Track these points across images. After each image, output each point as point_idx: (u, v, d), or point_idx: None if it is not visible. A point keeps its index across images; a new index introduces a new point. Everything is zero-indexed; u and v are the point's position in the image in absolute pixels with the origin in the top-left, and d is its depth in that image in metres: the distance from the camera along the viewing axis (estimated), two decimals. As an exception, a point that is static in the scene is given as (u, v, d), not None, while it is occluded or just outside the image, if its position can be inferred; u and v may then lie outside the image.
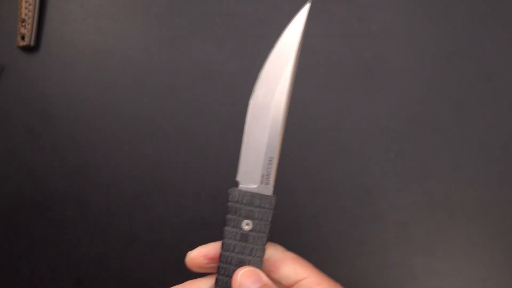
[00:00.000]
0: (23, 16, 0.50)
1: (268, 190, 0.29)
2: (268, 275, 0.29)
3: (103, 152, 0.50)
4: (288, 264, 0.30)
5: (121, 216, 0.49)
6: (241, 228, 0.28)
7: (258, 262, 0.28)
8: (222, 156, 0.49)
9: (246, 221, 0.28)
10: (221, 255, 0.29)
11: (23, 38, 0.50)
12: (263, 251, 0.29)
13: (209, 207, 0.49)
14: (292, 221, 0.49)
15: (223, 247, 0.29)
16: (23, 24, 0.50)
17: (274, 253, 0.31)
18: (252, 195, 0.28)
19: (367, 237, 0.49)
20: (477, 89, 0.49)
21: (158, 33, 0.50)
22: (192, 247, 0.49)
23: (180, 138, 0.49)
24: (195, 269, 0.31)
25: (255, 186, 0.29)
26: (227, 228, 0.29)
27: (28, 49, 0.51)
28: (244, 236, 0.28)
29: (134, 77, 0.50)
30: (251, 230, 0.28)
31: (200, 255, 0.31)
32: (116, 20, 0.51)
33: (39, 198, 0.50)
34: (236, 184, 0.29)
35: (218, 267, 0.29)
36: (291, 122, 0.48)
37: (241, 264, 0.28)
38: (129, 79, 0.50)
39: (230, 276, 0.29)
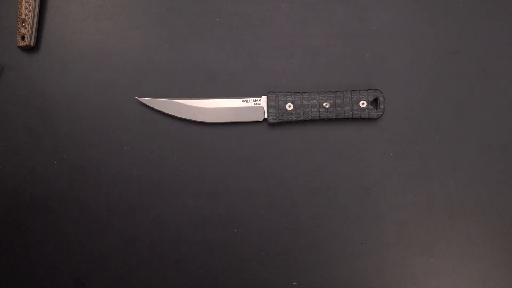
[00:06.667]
0: (23, 16, 0.50)
1: None
2: None
3: (103, 152, 0.50)
4: None
5: (121, 216, 0.49)
6: None
7: None
8: (222, 155, 0.49)
9: None
10: None
11: (23, 38, 0.50)
12: None
13: (209, 207, 0.49)
14: (292, 221, 0.49)
15: None
16: (23, 24, 0.50)
17: None
18: None
19: (367, 237, 0.49)
20: (477, 89, 0.49)
21: (158, 33, 0.50)
22: (192, 247, 0.49)
23: (180, 138, 0.50)
24: None
25: None
26: None
27: (28, 49, 0.51)
28: None
29: (134, 77, 0.50)
30: None
31: None
32: (116, 20, 0.51)
33: (39, 198, 0.50)
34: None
35: None
36: (291, 122, 0.49)
37: None
38: (129, 79, 0.50)
39: None
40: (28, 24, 0.50)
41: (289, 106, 0.47)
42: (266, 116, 0.48)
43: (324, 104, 0.47)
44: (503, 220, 0.48)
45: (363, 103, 0.47)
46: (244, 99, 0.48)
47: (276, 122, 0.48)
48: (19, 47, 0.50)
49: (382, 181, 0.49)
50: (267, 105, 0.48)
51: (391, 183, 0.49)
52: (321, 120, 0.48)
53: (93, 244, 0.49)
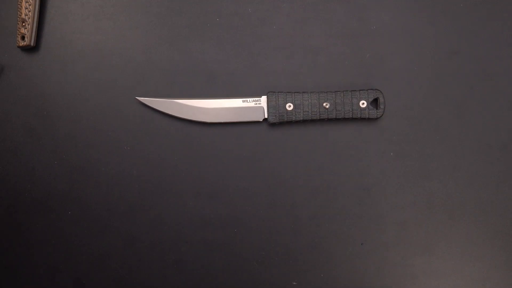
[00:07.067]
0: (23, 16, 0.50)
1: None
2: None
3: (103, 152, 0.50)
4: None
5: (121, 216, 0.49)
6: None
7: None
8: (222, 155, 0.49)
9: None
10: None
11: (23, 38, 0.50)
12: None
13: (209, 207, 0.49)
14: (292, 221, 0.49)
15: None
16: (23, 24, 0.50)
17: None
18: None
19: (367, 237, 0.49)
20: (477, 89, 0.49)
21: (158, 33, 0.50)
22: (192, 247, 0.49)
23: (180, 138, 0.50)
24: None
25: None
26: None
27: (28, 49, 0.51)
28: None
29: (134, 77, 0.50)
30: None
31: None
32: (116, 20, 0.51)
33: (39, 198, 0.50)
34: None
35: None
36: (291, 122, 0.49)
37: None
38: (129, 79, 0.50)
39: None
40: (28, 24, 0.50)
41: (289, 106, 0.47)
42: (266, 116, 0.48)
43: (324, 104, 0.47)
44: (503, 220, 0.48)
45: (363, 103, 0.47)
46: (244, 99, 0.48)
47: (276, 122, 0.48)
48: (19, 47, 0.50)
49: (382, 181, 0.49)
50: (267, 105, 0.48)
51: (391, 183, 0.49)
52: (321, 120, 0.48)
53: (93, 244, 0.49)
